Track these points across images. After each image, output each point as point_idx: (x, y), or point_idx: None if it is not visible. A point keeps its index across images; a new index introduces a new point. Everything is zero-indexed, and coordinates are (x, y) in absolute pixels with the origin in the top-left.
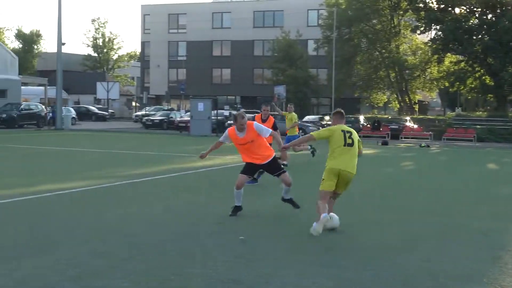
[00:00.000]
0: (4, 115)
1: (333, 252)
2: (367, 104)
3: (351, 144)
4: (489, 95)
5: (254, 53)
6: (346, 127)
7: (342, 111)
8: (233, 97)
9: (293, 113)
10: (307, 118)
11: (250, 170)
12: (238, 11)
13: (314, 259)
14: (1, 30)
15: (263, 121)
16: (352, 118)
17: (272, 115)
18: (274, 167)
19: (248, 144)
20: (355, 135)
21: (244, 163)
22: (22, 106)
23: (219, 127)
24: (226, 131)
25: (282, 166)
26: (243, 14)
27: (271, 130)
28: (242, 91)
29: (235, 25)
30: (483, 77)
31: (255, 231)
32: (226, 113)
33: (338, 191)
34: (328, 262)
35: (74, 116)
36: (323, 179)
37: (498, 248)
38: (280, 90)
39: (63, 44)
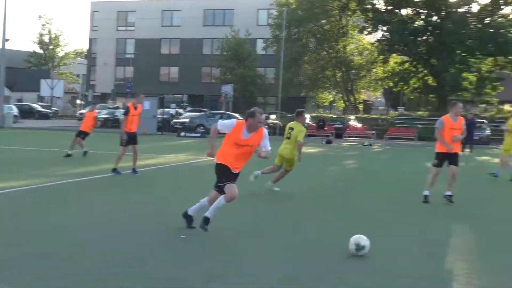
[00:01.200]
0: None
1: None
2: (313, 103)
3: (289, 138)
4: (431, 95)
5: (203, 51)
6: (294, 124)
7: (301, 110)
8: (180, 95)
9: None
10: None
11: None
12: (188, 9)
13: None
14: None
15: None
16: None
17: None
18: (237, 176)
19: (247, 148)
20: (295, 130)
21: (218, 173)
22: None
23: (164, 125)
24: (234, 121)
25: None
26: (193, 13)
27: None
28: (189, 89)
29: (184, 23)
30: (426, 78)
31: (196, 230)
32: (172, 111)
33: (286, 168)
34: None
35: (16, 114)
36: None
37: (433, 245)
38: (228, 89)
39: (7, 40)
